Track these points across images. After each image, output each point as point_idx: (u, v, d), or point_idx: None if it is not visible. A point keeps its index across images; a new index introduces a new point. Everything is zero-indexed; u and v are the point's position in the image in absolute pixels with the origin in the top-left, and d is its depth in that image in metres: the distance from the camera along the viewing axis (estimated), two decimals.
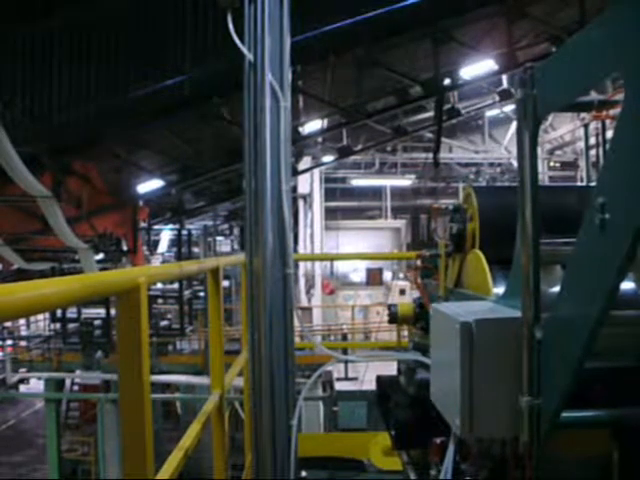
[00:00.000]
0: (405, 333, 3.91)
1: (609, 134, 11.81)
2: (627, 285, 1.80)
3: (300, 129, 11.47)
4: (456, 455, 1.96)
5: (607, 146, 11.90)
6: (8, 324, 18.14)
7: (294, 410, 3.06)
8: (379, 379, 3.09)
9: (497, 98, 10.90)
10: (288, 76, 3.09)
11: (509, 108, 19.25)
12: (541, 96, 1.45)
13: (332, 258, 20.23)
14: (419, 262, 3.14)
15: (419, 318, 2.98)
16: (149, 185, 10.83)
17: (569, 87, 1.40)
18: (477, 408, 1.61)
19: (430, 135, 17.70)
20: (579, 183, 19.64)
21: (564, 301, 1.41)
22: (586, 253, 1.31)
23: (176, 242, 17.06)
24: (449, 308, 1.83)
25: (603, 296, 1.22)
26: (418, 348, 2.69)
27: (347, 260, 21.45)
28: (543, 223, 1.48)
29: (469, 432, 1.63)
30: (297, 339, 14.82)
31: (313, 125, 11.52)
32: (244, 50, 3.00)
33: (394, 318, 3.14)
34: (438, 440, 2.15)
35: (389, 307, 3.18)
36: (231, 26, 3.00)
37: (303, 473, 4.58)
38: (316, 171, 19.59)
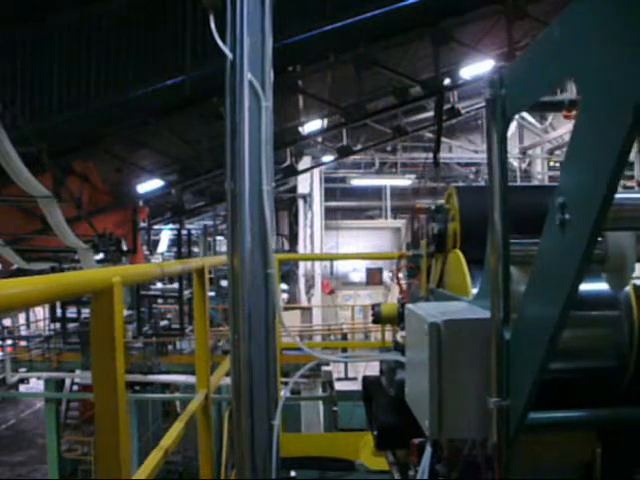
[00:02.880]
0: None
1: None
2: (604, 286, 1.79)
3: (300, 129, 11.48)
4: (434, 456, 1.96)
5: None
6: (8, 324, 18.14)
7: (276, 410, 3.05)
8: (365, 379, 3.10)
9: None
10: (270, 76, 3.10)
11: None
12: (509, 96, 1.46)
13: (321, 258, 20.12)
14: (402, 262, 3.14)
15: (402, 318, 2.97)
16: (149, 185, 10.82)
17: (533, 87, 1.41)
18: (446, 409, 1.60)
19: (430, 135, 17.71)
20: None
21: (529, 302, 1.41)
22: (548, 253, 1.31)
23: (176, 242, 17.06)
24: (422, 308, 1.82)
25: (563, 296, 1.21)
26: (399, 348, 2.68)
27: (335, 260, 21.23)
28: (521, 223, 1.48)
29: (438, 433, 1.62)
30: (296, 339, 14.79)
31: (313, 125, 11.52)
32: (225, 49, 3.02)
33: (378, 318, 3.14)
34: (417, 441, 2.14)
35: (373, 307, 3.18)
36: (213, 26, 3.03)
37: (292, 473, 4.57)
38: (316, 171, 19.61)
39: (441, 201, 2.49)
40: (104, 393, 1.77)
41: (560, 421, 1.70)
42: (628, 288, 1.75)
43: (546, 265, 1.33)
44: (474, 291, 2.01)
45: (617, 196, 1.44)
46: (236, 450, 3.06)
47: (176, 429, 2.69)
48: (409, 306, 1.94)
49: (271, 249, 3.03)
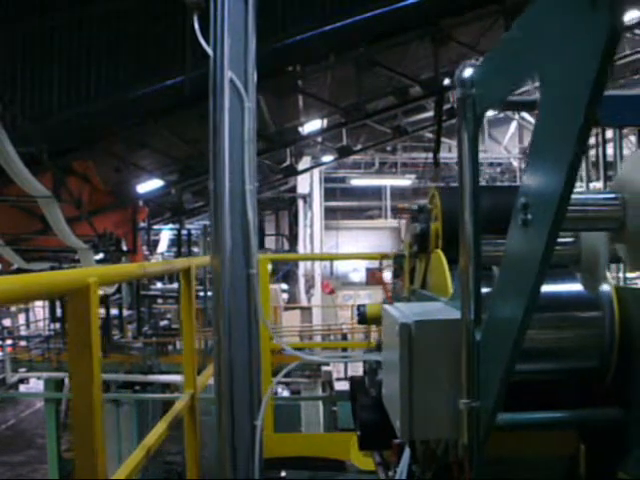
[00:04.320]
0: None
1: (609, 134, 11.82)
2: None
3: (300, 129, 11.48)
4: (413, 457, 1.96)
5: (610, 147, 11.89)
6: (8, 324, 18.14)
7: (259, 410, 3.05)
8: (351, 379, 3.10)
9: None
10: (253, 77, 3.10)
11: None
12: (479, 95, 1.45)
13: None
14: (384, 263, 3.15)
15: None
16: (149, 185, 10.82)
17: (500, 86, 1.41)
18: (417, 411, 1.59)
19: (430, 135, 17.71)
20: (579, 183, 19.61)
21: (496, 302, 1.40)
22: (512, 253, 1.31)
23: (176, 242, 17.07)
24: (398, 309, 1.81)
25: (526, 296, 1.21)
26: (381, 348, 2.69)
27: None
28: (505, 223, 1.48)
29: (409, 435, 1.61)
30: (297, 339, 14.78)
31: (313, 125, 11.53)
32: (206, 48, 3.03)
33: (363, 318, 3.14)
34: (397, 441, 2.14)
35: (358, 307, 3.18)
36: (197, 25, 3.04)
37: (283, 473, 4.57)
38: (316, 171, 19.61)
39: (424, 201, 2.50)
40: (81, 394, 1.76)
41: (542, 422, 1.70)
42: (610, 288, 1.76)
43: (511, 265, 1.32)
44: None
45: (581, 196, 1.44)
46: (218, 450, 3.06)
47: (159, 429, 2.68)
48: (385, 307, 1.93)
49: (254, 249, 3.02)
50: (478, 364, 1.46)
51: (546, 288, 1.78)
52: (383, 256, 3.23)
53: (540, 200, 1.17)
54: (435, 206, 2.35)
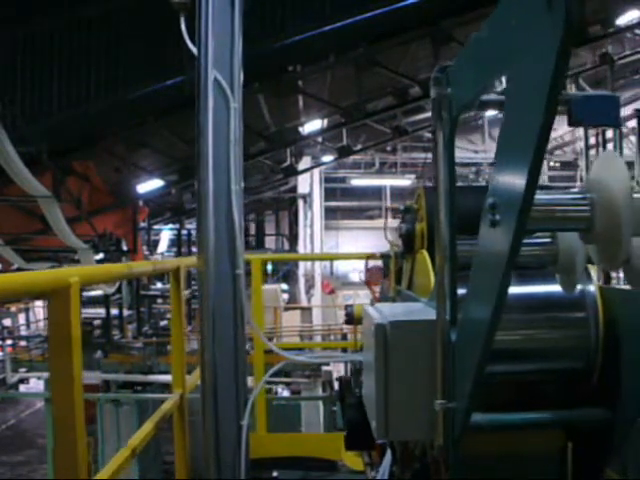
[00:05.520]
0: None
1: (609, 134, 11.83)
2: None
3: (300, 129, 11.49)
4: (394, 457, 1.95)
5: (607, 145, 11.90)
6: (8, 324, 18.13)
7: (245, 410, 3.05)
8: (340, 380, 3.10)
9: None
10: (240, 78, 3.09)
11: None
12: (454, 95, 1.44)
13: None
14: (370, 263, 3.15)
15: None
16: (149, 185, 10.83)
17: (473, 86, 1.39)
18: (392, 411, 1.57)
19: (430, 135, 17.71)
20: (578, 183, 19.63)
21: (469, 302, 1.39)
22: (482, 253, 1.30)
23: (176, 242, 17.06)
24: (378, 310, 1.81)
25: (494, 297, 1.21)
26: None
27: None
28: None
29: (385, 435, 1.60)
30: (297, 339, 14.75)
31: (313, 125, 11.53)
32: (191, 47, 3.03)
33: (351, 319, 3.13)
34: (380, 442, 2.13)
35: (346, 307, 3.18)
36: (183, 26, 3.05)
37: (274, 473, 4.57)
38: (316, 171, 19.60)
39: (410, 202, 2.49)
40: (61, 395, 1.74)
41: (529, 422, 1.70)
42: (594, 289, 1.75)
43: (481, 265, 1.32)
44: None
45: (551, 197, 1.44)
46: (203, 450, 3.06)
47: (146, 429, 2.68)
48: (366, 307, 1.93)
49: (240, 249, 3.01)
50: (453, 365, 1.45)
51: (531, 289, 1.79)
52: (369, 256, 3.23)
53: (506, 200, 1.16)
54: (420, 206, 2.34)
